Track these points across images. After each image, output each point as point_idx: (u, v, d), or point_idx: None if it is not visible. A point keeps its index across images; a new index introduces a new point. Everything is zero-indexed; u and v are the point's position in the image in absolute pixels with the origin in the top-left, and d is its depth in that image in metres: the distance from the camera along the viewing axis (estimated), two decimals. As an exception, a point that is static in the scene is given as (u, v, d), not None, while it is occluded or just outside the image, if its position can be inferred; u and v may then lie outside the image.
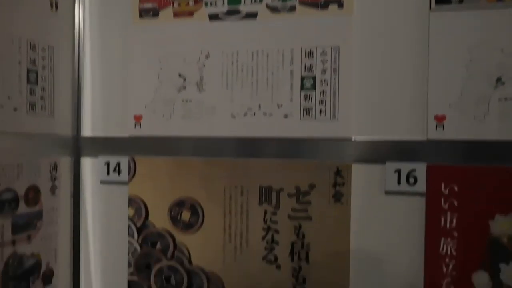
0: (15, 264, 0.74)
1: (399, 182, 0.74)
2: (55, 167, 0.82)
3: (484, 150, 0.71)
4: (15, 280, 0.74)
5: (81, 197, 0.88)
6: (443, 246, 0.73)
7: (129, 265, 0.86)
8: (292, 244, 0.79)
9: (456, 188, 0.72)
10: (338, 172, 0.76)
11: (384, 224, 0.75)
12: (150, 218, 0.85)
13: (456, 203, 0.72)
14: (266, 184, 0.79)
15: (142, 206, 0.85)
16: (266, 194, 0.79)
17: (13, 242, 0.73)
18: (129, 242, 0.86)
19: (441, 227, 0.73)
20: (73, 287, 0.88)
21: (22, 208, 0.75)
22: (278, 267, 0.79)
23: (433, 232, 0.73)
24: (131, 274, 0.86)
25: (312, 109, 0.77)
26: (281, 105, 0.78)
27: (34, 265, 0.79)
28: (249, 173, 0.79)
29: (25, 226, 0.76)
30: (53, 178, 0.82)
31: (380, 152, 0.74)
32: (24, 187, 0.75)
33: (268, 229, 0.80)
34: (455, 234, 0.72)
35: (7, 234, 0.72)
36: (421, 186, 0.73)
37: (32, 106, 0.77)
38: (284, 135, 0.78)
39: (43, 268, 0.81)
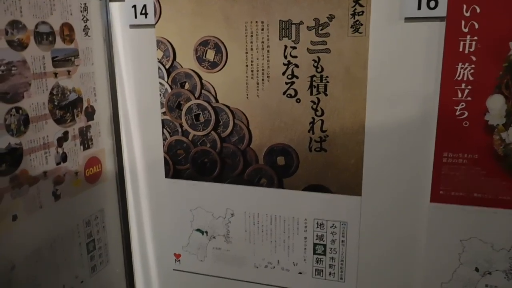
0: (59, 95, 0.82)
1: (419, 7, 0.73)
2: (85, 8, 0.86)
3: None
4: (61, 110, 0.83)
5: (113, 40, 0.93)
6: (460, 71, 0.73)
7: (161, 105, 0.93)
8: (312, 78, 0.82)
9: (478, 9, 0.70)
10: (357, 1, 0.76)
11: (402, 52, 0.76)
12: (177, 59, 0.89)
13: (477, 26, 0.71)
14: (286, 18, 0.80)
15: (170, 48, 0.89)
16: (286, 28, 0.81)
17: (55, 75, 0.81)
18: (160, 84, 0.92)
19: (459, 52, 0.72)
20: (113, 126, 0.98)
21: (59, 43, 0.81)
22: (298, 100, 0.83)
23: (451, 57, 0.73)
24: (163, 113, 0.94)
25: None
26: None
27: (77, 100, 0.87)
28: (269, 7, 0.80)
29: (64, 61, 0.83)
30: (85, 19, 0.87)
31: (402, -23, 0.73)
32: (58, 23, 0.80)
33: (288, 64, 0.82)
34: (473, 58, 0.72)
35: (48, 65, 0.79)
36: (442, 9, 0.72)
37: None
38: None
39: (85, 104, 0.89)
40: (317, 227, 0.89)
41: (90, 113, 0.91)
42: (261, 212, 0.92)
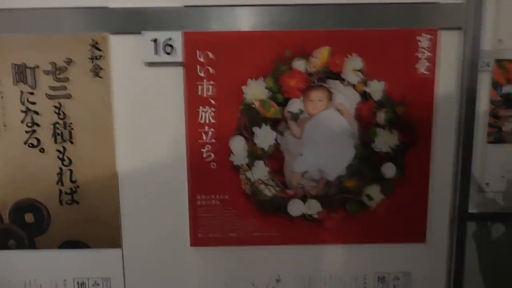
0: None
1: (156, 52, 0.72)
2: None
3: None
4: None
5: None
6: (202, 114, 0.74)
7: None
8: (54, 125, 0.75)
9: (211, 55, 0.72)
10: (94, 45, 0.72)
11: (145, 96, 0.74)
12: None
13: (212, 71, 0.73)
14: (20, 62, 0.72)
15: None
16: (20, 73, 0.73)
17: None
18: None
19: (198, 96, 0.74)
20: None
21: None
22: (42, 150, 0.75)
23: (192, 101, 0.74)
24: None
25: None
26: None
27: None
28: (1, 49, 0.72)
29: None
30: None
31: (137, 21, 0.71)
32: None
33: (27, 111, 0.74)
34: (213, 102, 0.74)
35: None
36: (179, 55, 0.72)
37: None
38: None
39: None
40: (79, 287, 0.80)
41: None
42: (13, 279, 0.80)
